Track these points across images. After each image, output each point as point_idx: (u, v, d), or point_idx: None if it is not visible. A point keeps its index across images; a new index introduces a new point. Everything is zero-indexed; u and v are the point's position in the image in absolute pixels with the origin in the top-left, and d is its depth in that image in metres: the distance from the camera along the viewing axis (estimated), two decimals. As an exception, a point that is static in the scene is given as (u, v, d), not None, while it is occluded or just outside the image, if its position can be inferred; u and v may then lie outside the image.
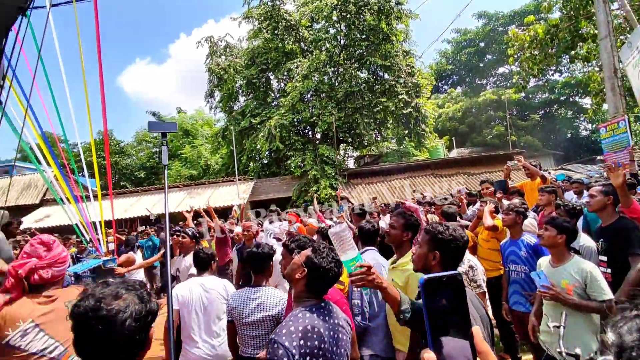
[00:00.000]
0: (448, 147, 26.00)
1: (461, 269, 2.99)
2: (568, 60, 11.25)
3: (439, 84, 36.27)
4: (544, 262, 2.79)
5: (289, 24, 19.36)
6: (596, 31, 9.19)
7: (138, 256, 6.02)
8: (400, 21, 18.90)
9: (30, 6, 3.11)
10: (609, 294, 2.38)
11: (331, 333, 1.65)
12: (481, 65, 34.62)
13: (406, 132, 20.56)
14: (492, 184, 5.17)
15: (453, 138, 26.33)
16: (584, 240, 3.26)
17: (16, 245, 6.04)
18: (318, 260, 1.76)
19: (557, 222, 2.65)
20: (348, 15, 18.02)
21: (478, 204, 5.12)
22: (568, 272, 2.54)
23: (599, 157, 20.59)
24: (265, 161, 20.89)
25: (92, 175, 5.56)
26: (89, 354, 1.05)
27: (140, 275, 6.20)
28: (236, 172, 15.99)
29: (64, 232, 9.97)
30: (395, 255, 2.78)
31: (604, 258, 2.93)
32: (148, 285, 8.87)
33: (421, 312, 1.62)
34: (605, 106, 15.42)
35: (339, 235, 1.65)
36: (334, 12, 18.42)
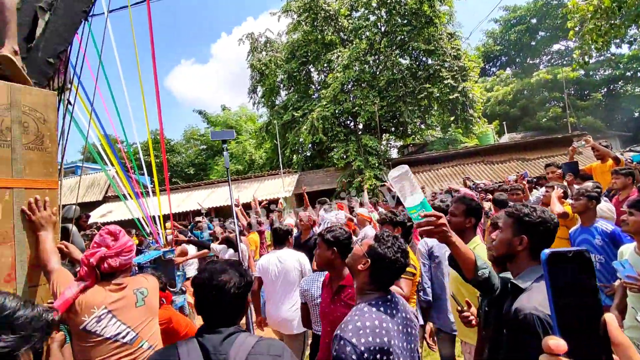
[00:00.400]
0: (498, 133, 24.68)
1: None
2: (638, 29, 10.21)
3: (487, 67, 34.46)
4: (627, 250, 2.51)
5: (328, 14, 19.17)
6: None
7: (190, 248, 6.26)
8: (443, 2, 18.07)
9: (92, 10, 3.25)
10: None
11: (400, 328, 1.55)
12: (533, 43, 32.39)
13: (452, 118, 19.75)
14: (559, 167, 4.76)
15: (504, 122, 24.92)
16: None
17: (85, 237, 6.50)
18: (382, 250, 1.66)
19: None
20: (388, 1, 17.50)
21: (543, 189, 4.77)
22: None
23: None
24: (309, 154, 20.99)
25: (149, 173, 5.88)
26: (206, 314, 1.44)
27: (194, 266, 6.43)
28: (280, 166, 16.20)
29: (125, 226, 10.60)
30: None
31: None
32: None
33: (490, 282, 1.50)
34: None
35: (400, 178, 1.51)
36: (374, -2, 18.00)
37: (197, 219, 9.76)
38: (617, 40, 23.00)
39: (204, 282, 1.44)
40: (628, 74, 27.76)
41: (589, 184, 3.63)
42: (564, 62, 30.56)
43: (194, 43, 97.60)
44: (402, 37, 18.42)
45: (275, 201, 13.65)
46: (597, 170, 5.05)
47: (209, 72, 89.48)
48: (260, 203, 7.37)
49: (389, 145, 26.70)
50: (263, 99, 23.21)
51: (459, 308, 1.91)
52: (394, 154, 24.20)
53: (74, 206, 4.72)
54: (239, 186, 17.04)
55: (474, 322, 1.86)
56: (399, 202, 6.08)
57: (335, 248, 2.40)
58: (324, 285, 2.54)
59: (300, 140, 18.32)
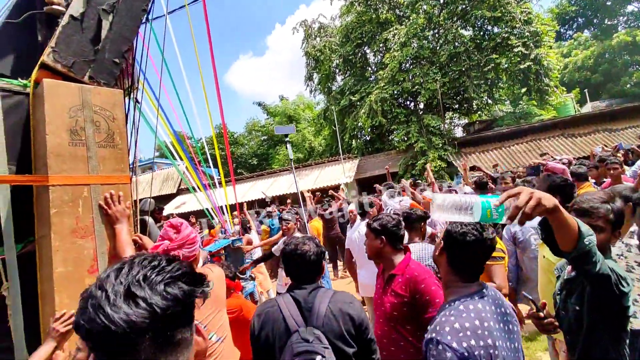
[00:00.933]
0: (579, 102, 22.22)
1: (636, 240, 2.37)
2: None
3: (562, 30, 30.97)
4: None
5: (381, -9, 18.43)
6: None
7: (254, 236, 6.46)
8: (508, -38, 16.41)
9: (152, 9, 3.35)
10: None
11: (501, 325, 1.34)
12: (609, 2, 28.44)
13: (524, 90, 18.10)
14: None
15: (585, 90, 22.34)
16: None
17: (161, 229, 7.00)
18: (456, 229, 1.43)
19: None
20: (447, -32, 16.34)
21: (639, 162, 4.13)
22: None
23: None
24: (368, 138, 20.62)
25: (215, 165, 6.13)
26: (294, 275, 1.90)
27: (258, 252, 6.59)
28: (340, 151, 16.10)
29: (200, 215, 11.27)
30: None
31: None
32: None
33: (592, 256, 1.25)
34: None
35: (442, 210, 1.27)
36: (431, -33, 16.91)
37: (268, 209, 10.07)
38: None
39: (290, 252, 1.89)
40: None
41: None
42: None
43: (250, 37, 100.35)
44: (464, 6, 17.13)
45: (336, 187, 13.66)
46: None
47: (266, 64, 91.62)
48: (314, 195, 7.55)
49: (453, 124, 25.38)
50: (319, 86, 23.16)
51: (533, 310, 1.64)
52: (458, 132, 22.96)
53: (149, 199, 5.04)
54: (300, 174, 17.28)
55: (552, 326, 1.62)
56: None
57: (383, 237, 2.30)
58: (378, 275, 2.44)
59: (359, 124, 18.02)
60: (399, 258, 2.26)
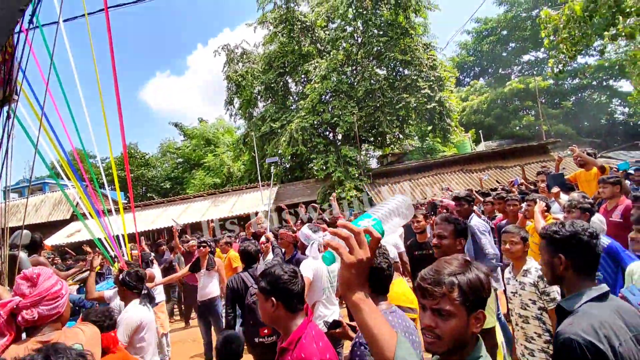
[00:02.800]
0: (475, 141, 25.05)
1: (529, 279, 2.53)
2: (607, 39, 10.44)
3: (461, 77, 35.18)
4: (638, 267, 2.29)
5: (304, 25, 19.11)
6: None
7: (157, 271, 5.77)
8: (418, 14, 18.28)
9: (38, 10, 2.91)
10: None
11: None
12: (504, 54, 33.34)
13: (430, 128, 19.89)
14: (547, 174, 4.60)
15: (479, 131, 25.34)
16: None
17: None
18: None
19: None
20: (364, 12, 17.59)
21: (525, 203, 4.59)
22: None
23: (640, 142, 19.28)
24: (288, 165, 20.65)
25: (121, 189, 5.44)
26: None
27: (160, 291, 5.91)
28: (259, 178, 15.77)
29: (95, 245, 9.95)
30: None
31: None
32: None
33: None
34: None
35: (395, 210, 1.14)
36: (350, 9, 18.04)
37: (159, 241, 9.15)
38: (584, 52, 23.85)
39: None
40: (594, 82, 28.85)
41: (574, 195, 3.45)
42: (534, 72, 31.52)
43: (169, 55, 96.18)
44: (379, 47, 18.50)
45: (254, 215, 13.22)
46: (581, 178, 4.93)
47: (185, 84, 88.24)
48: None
49: (368, 155, 26.74)
50: (240, 111, 22.84)
51: None
52: (373, 164, 24.18)
53: (22, 231, 4.23)
54: (216, 200, 16.50)
55: None
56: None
57: (273, 298, 1.74)
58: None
59: (280, 152, 17.98)
60: (295, 324, 1.73)
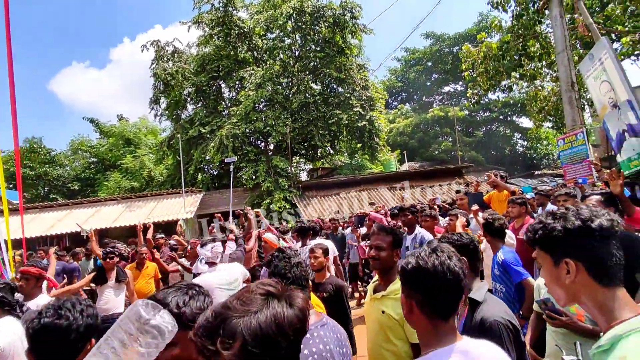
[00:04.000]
0: (399, 161, 26.54)
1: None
2: (516, 77, 11.79)
3: (389, 100, 37.31)
4: (543, 285, 2.46)
5: (242, 31, 18.79)
6: (542, 51, 9.64)
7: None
8: (354, 35, 19.04)
9: None
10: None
11: None
12: (428, 83, 36.14)
13: (359, 145, 20.62)
14: (467, 195, 4.94)
15: (404, 152, 26.93)
16: None
17: None
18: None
19: None
20: (303, 26, 17.83)
21: (448, 217, 4.87)
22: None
23: (536, 172, 21.99)
24: (216, 172, 19.85)
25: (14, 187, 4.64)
26: None
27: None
28: (182, 184, 14.87)
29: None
30: (378, 280, 2.27)
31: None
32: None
33: None
34: (545, 124, 16.52)
35: None
36: (289, 22, 18.17)
37: (76, 249, 8.20)
38: (495, 87, 26.76)
39: None
40: (501, 117, 32.50)
41: (485, 214, 3.71)
42: (453, 102, 34.58)
43: (90, 44, 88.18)
44: (315, 63, 18.85)
45: (174, 223, 12.40)
46: (494, 199, 5.37)
47: (107, 78, 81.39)
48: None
49: (299, 168, 26.88)
50: (167, 112, 21.55)
51: None
52: (303, 177, 24.32)
53: None
54: (132, 205, 15.14)
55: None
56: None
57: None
58: None
59: (207, 157, 17.21)
60: None
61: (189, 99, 20.82)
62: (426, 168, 20.10)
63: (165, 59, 21.25)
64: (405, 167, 24.49)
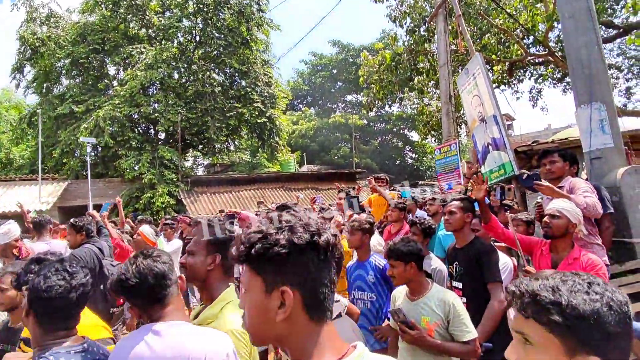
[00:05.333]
0: (299, 163, 26.62)
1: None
2: (407, 91, 12.51)
3: (295, 102, 37.44)
4: (400, 294, 2.26)
5: (133, 3, 16.75)
6: (430, 68, 10.32)
7: None
8: (260, 29, 18.42)
9: None
10: (473, 332, 1.94)
11: None
12: (333, 90, 37.21)
13: (260, 143, 20.04)
14: (347, 195, 4.78)
15: (304, 154, 27.11)
16: (435, 262, 2.93)
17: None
18: None
19: (399, 252, 2.13)
20: (205, 9, 16.63)
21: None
22: (429, 306, 2.03)
23: (419, 182, 24.05)
24: (88, 159, 17.24)
25: None
26: None
27: None
28: (39, 169, 12.50)
29: None
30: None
31: (459, 285, 2.59)
32: None
33: None
34: (429, 139, 18.05)
35: None
36: (190, 2, 16.79)
37: None
38: (390, 102, 28.64)
39: None
40: (395, 129, 35.00)
41: (363, 216, 3.54)
42: (354, 111, 36.17)
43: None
44: (218, 51, 17.72)
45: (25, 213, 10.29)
46: (375, 202, 5.34)
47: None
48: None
49: (196, 163, 25.16)
50: (35, 84, 18.17)
51: None
52: (200, 172, 22.79)
53: None
54: (-33, 191, 12.23)
55: None
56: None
57: None
58: None
59: (79, 140, 14.84)
60: None
61: (63, 71, 17.84)
62: (322, 171, 20.42)
63: (39, 22, 17.97)
64: (305, 169, 24.62)
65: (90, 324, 1.84)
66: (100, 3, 17.12)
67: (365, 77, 10.45)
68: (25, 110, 24.93)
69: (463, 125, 11.54)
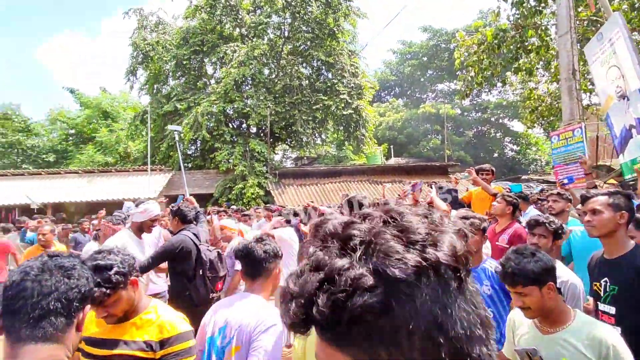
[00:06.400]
0: (386, 156, 25.81)
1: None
2: (508, 76, 11.07)
3: (382, 94, 36.45)
4: (522, 318, 1.66)
5: (228, 4, 17.65)
6: (541, 43, 8.89)
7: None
8: (347, 19, 18.06)
9: None
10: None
11: None
12: (422, 79, 35.35)
13: (346, 136, 19.83)
14: (440, 189, 4.19)
15: (391, 147, 26.20)
16: (564, 273, 2.21)
17: None
18: None
19: (528, 274, 1.52)
20: (294, 3, 16.81)
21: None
22: (572, 345, 1.44)
23: (523, 177, 21.50)
24: (190, 152, 18.82)
25: None
26: None
27: None
28: (148, 161, 13.89)
29: None
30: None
31: (610, 310, 1.90)
32: None
33: None
34: (535, 130, 15.93)
35: None
36: (279, -1, 17.15)
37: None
38: (488, 87, 26.10)
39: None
40: (493, 119, 31.96)
41: (462, 211, 2.95)
42: (446, 100, 33.93)
43: (83, 13, 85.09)
44: (305, 45, 17.86)
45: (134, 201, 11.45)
46: (476, 197, 4.63)
47: (95, 49, 78.74)
48: None
49: (286, 156, 26.00)
50: (147, 86, 20.38)
51: None
52: (288, 164, 23.48)
53: None
54: (92, 181, 14.10)
55: None
56: None
57: None
58: None
59: (166, 129, 16.23)
60: None
61: (170, 73, 19.70)
62: (411, 164, 19.41)
63: (149, 29, 20.09)
64: (392, 161, 23.78)
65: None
66: (200, 8, 18.41)
67: (462, 59, 9.41)
68: (140, 110, 28.36)
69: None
